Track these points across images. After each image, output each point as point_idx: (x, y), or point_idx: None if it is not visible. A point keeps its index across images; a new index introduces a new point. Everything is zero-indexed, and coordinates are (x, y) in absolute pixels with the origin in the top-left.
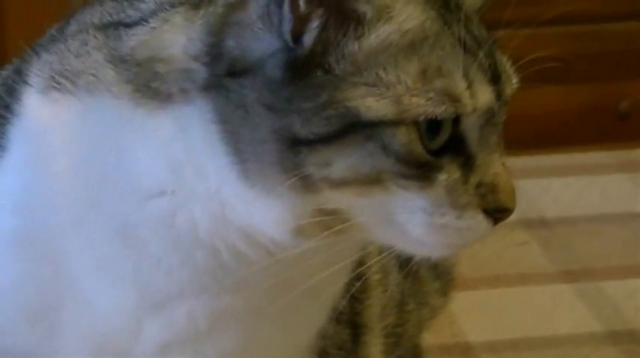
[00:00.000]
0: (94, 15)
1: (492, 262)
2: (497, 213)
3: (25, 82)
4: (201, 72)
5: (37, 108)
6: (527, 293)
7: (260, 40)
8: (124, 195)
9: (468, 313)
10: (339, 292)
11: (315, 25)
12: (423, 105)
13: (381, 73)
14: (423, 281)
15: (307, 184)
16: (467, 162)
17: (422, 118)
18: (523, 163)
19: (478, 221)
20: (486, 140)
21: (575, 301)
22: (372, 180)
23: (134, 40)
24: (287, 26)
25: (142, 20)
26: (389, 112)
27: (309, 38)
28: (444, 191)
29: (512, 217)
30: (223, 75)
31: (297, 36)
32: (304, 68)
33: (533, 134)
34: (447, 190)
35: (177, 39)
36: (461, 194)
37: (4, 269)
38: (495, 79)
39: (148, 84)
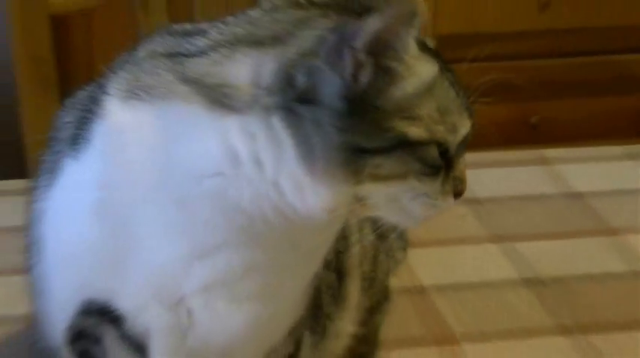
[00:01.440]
0: (157, 46)
1: (440, 228)
2: (458, 195)
3: (106, 93)
4: (271, 98)
5: (118, 111)
6: (464, 251)
7: (327, 80)
8: (185, 175)
9: (422, 264)
10: (330, 247)
11: (367, 71)
12: (443, 131)
13: (417, 110)
14: (390, 241)
15: (357, 179)
16: (450, 165)
17: (442, 140)
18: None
19: (450, 201)
20: (460, 151)
21: (500, 258)
22: (401, 176)
23: (198, 69)
24: (348, 71)
25: (202, 53)
26: (425, 136)
27: (364, 78)
28: (439, 183)
29: None
30: (293, 101)
31: (355, 78)
32: (362, 103)
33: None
34: (441, 182)
35: (244, 73)
36: (446, 185)
37: (89, 230)
38: (470, 113)
39: (220, 100)
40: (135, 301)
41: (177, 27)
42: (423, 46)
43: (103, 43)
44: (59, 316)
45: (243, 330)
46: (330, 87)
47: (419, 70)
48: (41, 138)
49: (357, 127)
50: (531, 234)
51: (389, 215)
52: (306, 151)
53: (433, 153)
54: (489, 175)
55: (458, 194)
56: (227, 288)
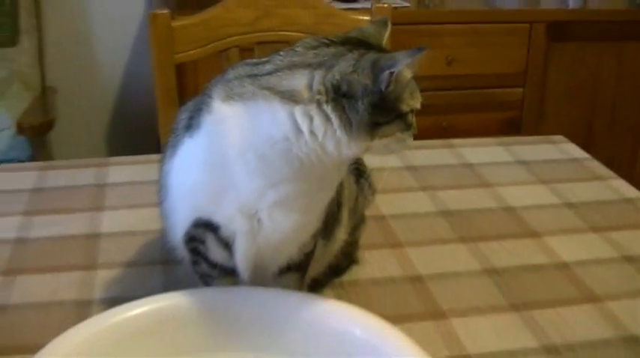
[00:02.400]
0: (239, 71)
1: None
2: (414, 138)
3: (212, 98)
4: (323, 96)
5: (220, 107)
6: (401, 198)
7: (361, 86)
8: (265, 141)
9: (385, 202)
10: (337, 187)
11: (393, 84)
12: (413, 104)
13: (404, 96)
14: (364, 188)
15: (373, 138)
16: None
17: (413, 109)
18: None
19: (412, 142)
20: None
21: (424, 198)
22: (394, 133)
23: (271, 82)
24: (384, 84)
25: (270, 73)
26: (408, 109)
27: (390, 88)
28: (409, 132)
29: None
30: (339, 97)
31: (385, 88)
32: (383, 98)
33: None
34: (411, 130)
35: (302, 83)
36: (410, 131)
37: (201, 176)
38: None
39: (289, 97)
40: (227, 215)
41: (249, 61)
42: None
43: (204, 80)
44: (179, 228)
45: (289, 232)
46: (363, 90)
47: (406, 76)
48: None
49: (378, 111)
50: (449, 184)
51: (381, 152)
52: (347, 125)
53: (410, 117)
54: (424, 154)
55: (414, 137)
56: (284, 205)
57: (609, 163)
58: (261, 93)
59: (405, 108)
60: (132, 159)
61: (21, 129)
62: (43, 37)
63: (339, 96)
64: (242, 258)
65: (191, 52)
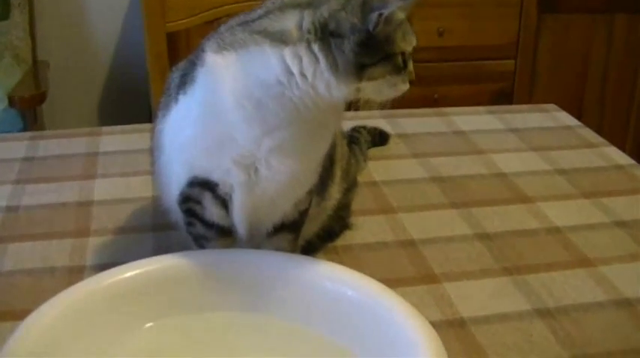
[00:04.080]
0: (231, 22)
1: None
2: (411, 83)
3: (205, 51)
4: (312, 35)
5: (214, 59)
6: (392, 164)
7: (349, 25)
8: (259, 85)
9: (377, 169)
10: (330, 143)
11: (381, 26)
12: (404, 46)
13: (393, 37)
14: (357, 153)
15: (360, 79)
16: (405, 65)
17: (404, 51)
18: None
19: (407, 86)
20: (410, 56)
21: (416, 164)
22: (383, 75)
23: (262, 24)
24: (372, 24)
25: (262, 17)
26: (397, 51)
27: (378, 28)
28: (402, 76)
29: None
30: (327, 36)
31: (373, 28)
32: (369, 39)
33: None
34: (403, 75)
35: (292, 22)
36: (405, 76)
37: (196, 130)
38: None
39: (280, 38)
40: (224, 169)
41: (240, 14)
42: None
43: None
44: (174, 188)
45: (286, 181)
46: (351, 29)
47: (398, 18)
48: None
49: (364, 51)
50: (441, 151)
51: (373, 96)
52: (334, 65)
53: (399, 59)
54: (415, 121)
55: (411, 82)
56: (281, 151)
57: (600, 133)
58: (251, 39)
59: (393, 49)
60: (124, 128)
61: (12, 101)
62: (34, 10)
63: (327, 36)
64: (239, 213)
65: (182, 21)
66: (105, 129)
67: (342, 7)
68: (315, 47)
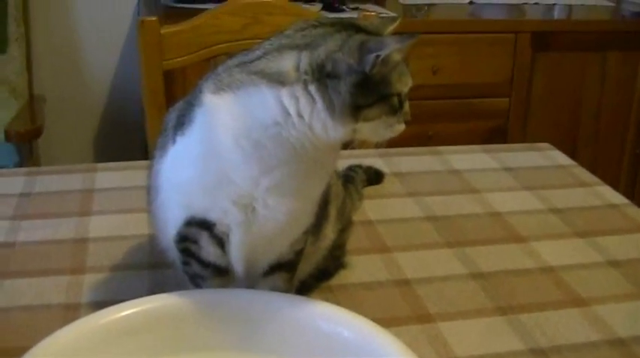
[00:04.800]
0: (229, 63)
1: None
2: (407, 123)
3: (202, 92)
4: (309, 76)
5: (212, 99)
6: (387, 203)
7: (345, 66)
8: (257, 127)
9: (372, 208)
10: (327, 178)
11: (377, 67)
12: (400, 87)
13: (390, 79)
14: (352, 192)
15: (356, 121)
16: (401, 105)
17: (400, 92)
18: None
19: (402, 126)
20: (406, 97)
21: (410, 203)
22: (379, 116)
23: (260, 66)
24: (369, 66)
25: (260, 58)
26: (393, 92)
27: (374, 70)
28: (397, 117)
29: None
30: (323, 77)
31: (370, 70)
32: (365, 81)
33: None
34: (398, 116)
35: (290, 63)
36: (400, 117)
37: (194, 171)
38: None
39: (277, 79)
40: (221, 209)
41: (237, 54)
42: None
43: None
44: (171, 227)
45: (283, 219)
46: (348, 70)
47: (394, 60)
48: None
49: (360, 92)
50: (435, 190)
51: (369, 137)
52: (330, 106)
53: (396, 100)
54: (410, 160)
55: (407, 122)
56: (278, 190)
57: (594, 171)
58: (249, 80)
59: (390, 90)
60: (120, 165)
61: (8, 135)
62: (31, 45)
63: (324, 77)
64: (236, 252)
65: (179, 59)
66: (100, 165)
67: (339, 48)
68: (312, 88)
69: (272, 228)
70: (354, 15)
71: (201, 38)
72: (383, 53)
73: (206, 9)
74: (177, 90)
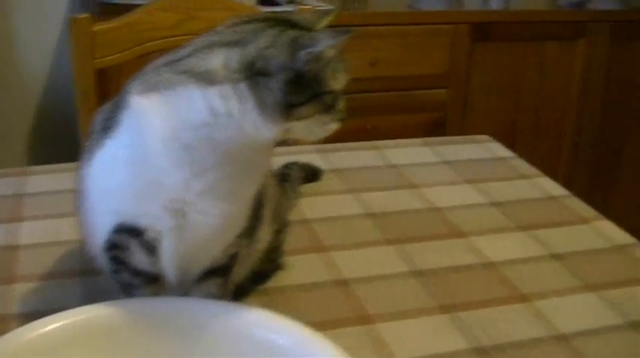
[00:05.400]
0: (156, 62)
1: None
2: (341, 121)
3: (129, 93)
4: (239, 74)
5: (139, 101)
6: (325, 201)
7: (278, 63)
8: (187, 128)
9: (310, 205)
10: (260, 179)
11: (310, 64)
12: (334, 84)
13: (323, 76)
14: (287, 191)
15: (289, 119)
16: (336, 103)
17: (334, 89)
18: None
19: (337, 125)
20: (341, 95)
21: (349, 200)
22: (313, 114)
23: (189, 64)
24: (301, 63)
25: (189, 56)
26: (326, 89)
27: (307, 67)
28: (332, 115)
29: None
30: (254, 75)
31: (302, 66)
32: (298, 78)
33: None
34: (333, 114)
35: (219, 61)
36: (335, 115)
37: (122, 176)
38: (346, 72)
39: (206, 78)
40: (152, 215)
41: (166, 53)
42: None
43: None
44: (99, 235)
45: (216, 225)
46: (280, 67)
47: (328, 56)
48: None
49: (292, 90)
50: (374, 186)
51: (303, 136)
52: (261, 104)
53: (330, 98)
54: (348, 155)
55: (341, 120)
56: (210, 193)
57: (533, 161)
58: (177, 79)
59: (323, 88)
60: (52, 167)
61: None
62: None
63: (254, 75)
64: (167, 259)
65: (112, 56)
66: (32, 168)
67: (270, 45)
68: (242, 87)
69: (205, 232)
70: (290, 8)
71: (135, 35)
72: (316, 49)
73: (140, 4)
74: (112, 90)
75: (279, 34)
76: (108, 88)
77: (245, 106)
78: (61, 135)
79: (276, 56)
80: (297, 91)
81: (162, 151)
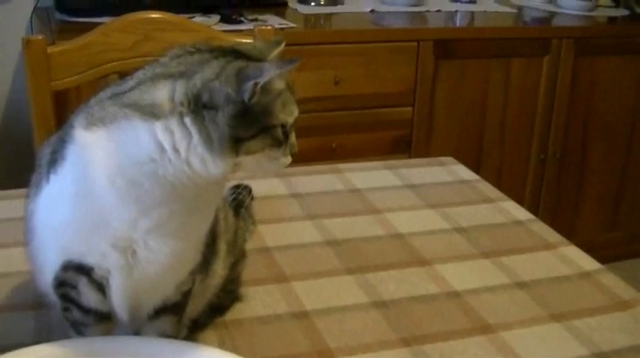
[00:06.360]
0: (102, 95)
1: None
2: (293, 156)
3: (73, 127)
4: (184, 108)
5: (82, 135)
6: (285, 227)
7: (223, 95)
8: (132, 164)
9: (269, 232)
10: (212, 219)
11: (257, 96)
12: (284, 118)
13: (271, 109)
14: (246, 218)
15: (237, 154)
16: (287, 137)
17: (284, 123)
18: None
19: (288, 159)
20: (292, 128)
21: (310, 227)
22: (262, 149)
23: (133, 97)
24: (247, 94)
25: (133, 88)
26: (275, 123)
27: (254, 99)
28: (282, 149)
29: None
30: (199, 108)
31: (248, 98)
32: (245, 111)
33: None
34: (284, 148)
35: (164, 94)
36: (286, 149)
37: (67, 213)
38: (297, 106)
39: (150, 112)
40: (99, 253)
41: (112, 85)
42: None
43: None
44: (48, 271)
45: (166, 263)
46: (225, 100)
47: (276, 87)
48: None
49: (240, 124)
50: (336, 212)
51: (252, 171)
52: (208, 139)
53: (279, 132)
54: (309, 180)
55: (292, 154)
56: (159, 231)
57: (499, 178)
58: (121, 113)
59: (272, 121)
60: (5, 194)
61: None
62: None
63: (200, 108)
64: (117, 297)
65: (69, 79)
66: None
67: (215, 76)
68: (188, 120)
69: (155, 271)
70: (250, 27)
71: (91, 57)
72: (262, 80)
73: (103, 22)
74: (71, 112)
75: (226, 64)
76: (67, 110)
77: (191, 141)
78: (20, 159)
79: (221, 88)
80: (245, 125)
81: (108, 188)
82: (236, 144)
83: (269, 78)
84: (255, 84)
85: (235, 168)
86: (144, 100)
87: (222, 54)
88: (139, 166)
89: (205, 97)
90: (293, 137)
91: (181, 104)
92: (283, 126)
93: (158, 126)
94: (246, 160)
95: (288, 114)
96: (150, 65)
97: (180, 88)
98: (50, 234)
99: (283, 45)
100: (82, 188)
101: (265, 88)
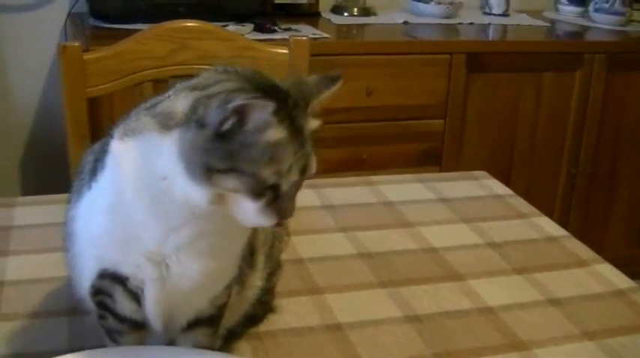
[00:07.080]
0: (142, 106)
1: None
2: (280, 222)
3: (112, 137)
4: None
5: (117, 147)
6: (319, 239)
7: (209, 115)
8: (153, 178)
9: (303, 244)
10: (249, 233)
11: (236, 127)
12: (279, 180)
13: (261, 158)
14: (281, 232)
15: (214, 187)
16: (278, 196)
17: (264, 177)
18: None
19: (270, 221)
20: (291, 192)
21: (343, 239)
22: (235, 191)
23: (163, 106)
24: (218, 118)
25: (164, 100)
26: (252, 171)
27: (235, 128)
28: (262, 206)
29: None
30: (192, 123)
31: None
32: (223, 141)
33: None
34: (264, 207)
35: (183, 104)
36: (270, 208)
37: (104, 223)
38: (303, 170)
39: (165, 123)
40: (134, 264)
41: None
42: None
43: (119, 114)
44: (85, 280)
45: (199, 278)
46: (208, 119)
47: (271, 136)
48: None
49: (214, 151)
50: (368, 225)
51: (233, 212)
52: (187, 163)
53: (259, 187)
54: (342, 191)
55: (281, 219)
56: (189, 248)
57: (529, 192)
58: (149, 123)
59: (248, 168)
60: (40, 198)
61: None
62: None
63: (192, 123)
64: (151, 308)
65: (103, 86)
66: (20, 199)
67: (217, 93)
68: (175, 135)
69: (187, 285)
70: (285, 36)
71: (126, 64)
72: (230, 107)
73: (136, 29)
74: (104, 118)
75: (235, 87)
76: (100, 117)
77: (175, 165)
78: (53, 167)
79: (208, 104)
80: (218, 154)
81: (136, 202)
82: (212, 174)
83: (232, 106)
84: (226, 109)
85: (219, 202)
86: (169, 108)
87: (247, 80)
88: (157, 182)
89: (200, 112)
90: (288, 202)
91: (185, 116)
92: (275, 187)
93: (168, 139)
94: (228, 196)
95: (279, 174)
96: (197, 76)
97: (190, 100)
98: (88, 241)
99: (339, 83)
100: (116, 199)
101: (250, 125)
